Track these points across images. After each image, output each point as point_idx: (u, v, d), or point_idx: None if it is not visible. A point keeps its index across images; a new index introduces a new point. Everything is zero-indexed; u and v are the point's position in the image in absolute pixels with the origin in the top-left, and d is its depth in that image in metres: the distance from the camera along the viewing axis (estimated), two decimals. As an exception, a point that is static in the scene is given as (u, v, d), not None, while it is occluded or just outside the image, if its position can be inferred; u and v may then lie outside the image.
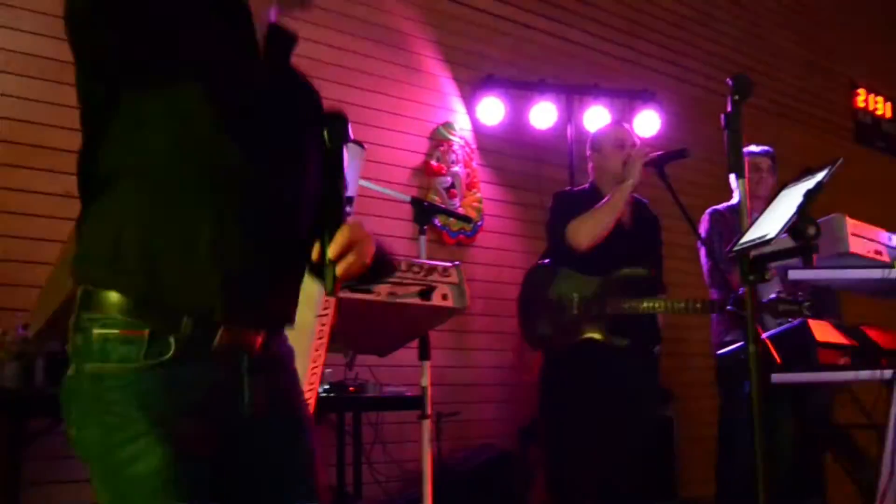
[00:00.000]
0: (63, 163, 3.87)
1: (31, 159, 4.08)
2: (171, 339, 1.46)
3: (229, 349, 1.52)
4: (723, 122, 2.76)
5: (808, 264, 2.40)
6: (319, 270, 1.55)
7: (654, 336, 3.92)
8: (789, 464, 4.34)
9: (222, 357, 1.51)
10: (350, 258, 1.52)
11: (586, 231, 3.74)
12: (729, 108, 2.79)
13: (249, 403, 1.55)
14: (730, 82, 2.84)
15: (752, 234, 2.48)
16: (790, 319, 3.87)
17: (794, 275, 4.06)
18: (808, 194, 2.31)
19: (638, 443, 3.85)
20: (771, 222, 2.44)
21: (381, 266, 1.73)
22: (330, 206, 1.56)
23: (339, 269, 1.52)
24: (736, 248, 2.50)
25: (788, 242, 2.43)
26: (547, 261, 3.97)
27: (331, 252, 1.51)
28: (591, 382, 3.68)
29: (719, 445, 4.42)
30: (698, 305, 3.77)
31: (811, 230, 2.36)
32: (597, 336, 3.69)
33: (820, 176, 2.39)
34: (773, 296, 3.67)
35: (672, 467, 5.78)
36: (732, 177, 2.94)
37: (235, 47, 1.59)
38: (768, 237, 2.37)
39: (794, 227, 2.32)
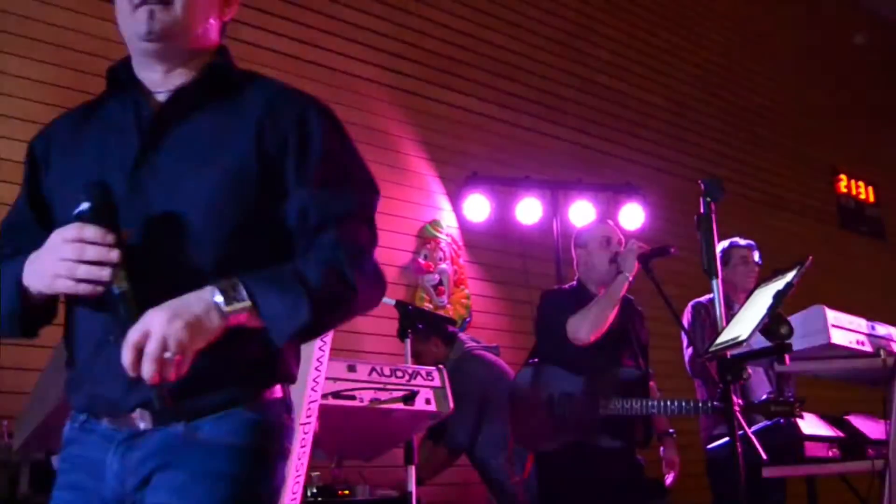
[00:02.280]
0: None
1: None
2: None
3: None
4: (696, 224, 2.83)
5: (781, 363, 2.44)
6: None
7: (647, 435, 3.92)
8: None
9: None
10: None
11: (589, 324, 3.77)
12: (701, 211, 2.86)
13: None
14: (702, 185, 2.91)
15: (726, 336, 2.53)
16: None
17: (779, 368, 4.09)
18: (778, 296, 2.37)
19: None
20: (744, 323, 2.49)
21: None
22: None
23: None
24: (711, 350, 2.54)
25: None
26: (535, 360, 4.00)
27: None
28: (582, 483, 3.67)
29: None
30: (689, 406, 3.78)
31: (783, 330, 2.41)
32: (588, 438, 3.69)
33: (789, 277, 2.45)
34: (764, 397, 3.70)
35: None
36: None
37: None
38: (741, 339, 2.42)
39: (767, 328, 2.37)
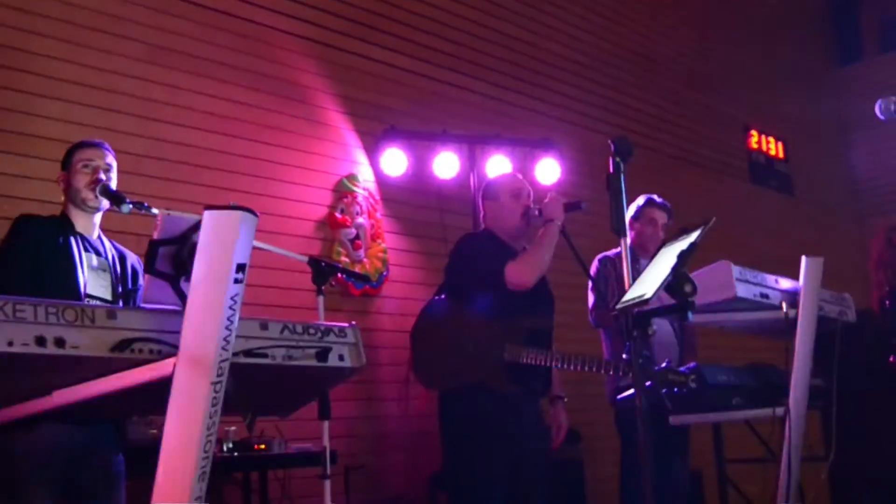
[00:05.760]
0: None
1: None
2: None
3: None
4: (606, 183, 2.88)
5: (685, 320, 2.52)
6: None
7: (545, 385, 4.00)
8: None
9: None
10: None
11: (532, 268, 3.82)
12: (611, 170, 2.91)
13: None
14: (612, 145, 2.96)
15: (632, 293, 2.60)
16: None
17: (690, 319, 4.21)
18: (682, 256, 2.44)
19: (540, 482, 3.91)
20: (649, 281, 2.56)
21: None
22: None
23: None
24: (618, 307, 2.62)
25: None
26: (443, 296, 4.02)
27: None
28: (480, 424, 3.73)
29: (621, 488, 4.53)
30: (593, 363, 3.84)
31: (687, 288, 2.49)
32: (492, 380, 3.74)
33: (693, 236, 2.53)
34: (663, 365, 3.80)
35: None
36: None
37: None
38: (646, 297, 2.49)
39: (671, 286, 2.45)
